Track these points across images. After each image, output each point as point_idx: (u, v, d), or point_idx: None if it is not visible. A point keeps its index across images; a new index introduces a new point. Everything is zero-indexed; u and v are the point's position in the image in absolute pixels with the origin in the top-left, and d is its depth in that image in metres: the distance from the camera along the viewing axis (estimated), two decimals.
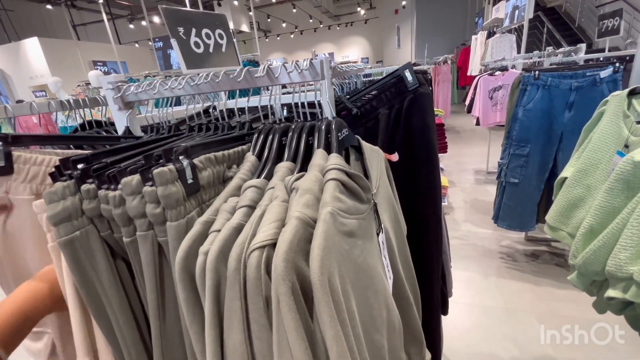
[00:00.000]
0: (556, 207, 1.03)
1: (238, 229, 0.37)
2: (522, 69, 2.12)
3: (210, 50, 0.93)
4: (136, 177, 0.39)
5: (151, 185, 0.38)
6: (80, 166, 0.44)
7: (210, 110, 0.83)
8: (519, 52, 5.30)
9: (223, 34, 0.99)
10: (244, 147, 0.51)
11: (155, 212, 0.39)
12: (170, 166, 0.39)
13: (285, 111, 0.83)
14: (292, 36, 14.65)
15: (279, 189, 0.39)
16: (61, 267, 0.47)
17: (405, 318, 0.63)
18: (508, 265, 2.27)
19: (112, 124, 0.99)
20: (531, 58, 3.31)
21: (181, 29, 0.85)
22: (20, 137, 0.54)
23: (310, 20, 13.70)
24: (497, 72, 3.45)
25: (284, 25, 13.93)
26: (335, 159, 0.41)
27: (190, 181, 0.40)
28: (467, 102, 3.86)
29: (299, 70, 0.50)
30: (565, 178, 1.03)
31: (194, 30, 0.88)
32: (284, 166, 0.44)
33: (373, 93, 0.81)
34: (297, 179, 0.39)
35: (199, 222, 0.38)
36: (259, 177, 0.45)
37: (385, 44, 14.32)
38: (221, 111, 0.64)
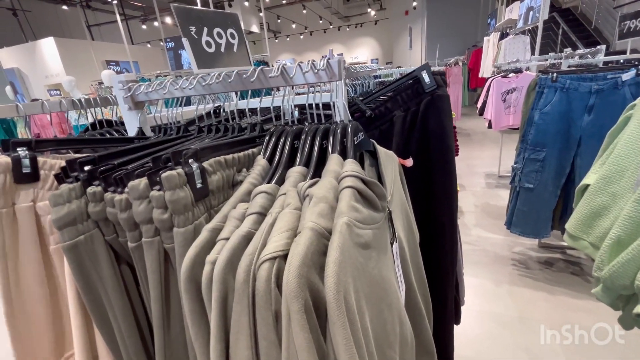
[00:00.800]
0: (577, 215, 0.98)
1: (247, 238, 0.35)
2: (538, 71, 2.06)
3: (222, 49, 0.92)
4: (143, 181, 0.37)
5: (159, 190, 0.37)
6: (86, 168, 0.42)
7: (220, 110, 0.82)
8: (532, 54, 5.19)
9: (235, 33, 0.97)
10: (254, 149, 0.49)
11: (162, 218, 0.37)
12: (179, 170, 0.37)
13: (296, 112, 0.81)
14: (301, 37, 14.67)
15: (291, 195, 0.37)
16: (64, 271, 0.46)
17: (416, 330, 0.60)
18: (521, 272, 2.20)
19: (123, 123, 0.98)
20: (546, 60, 3.23)
21: (193, 28, 0.84)
22: (43, 141, 0.53)
23: (320, 21, 13.70)
24: (511, 74, 3.38)
25: (293, 26, 13.96)
26: (351, 165, 0.38)
27: (199, 185, 0.39)
28: (479, 104, 3.78)
29: (315, 71, 0.48)
30: (588, 185, 0.98)
31: (205, 29, 0.87)
32: (296, 171, 0.41)
33: (388, 95, 0.79)
34: (311, 185, 0.36)
35: (207, 229, 0.36)
36: (269, 182, 0.43)
37: (395, 45, 14.22)
38: (231, 112, 0.62)
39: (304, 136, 0.46)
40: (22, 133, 3.57)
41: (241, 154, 0.46)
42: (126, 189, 0.39)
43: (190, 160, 0.38)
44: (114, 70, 7.77)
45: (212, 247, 0.36)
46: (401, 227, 0.57)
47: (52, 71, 8.18)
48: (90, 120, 1.09)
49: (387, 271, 0.44)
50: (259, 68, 0.51)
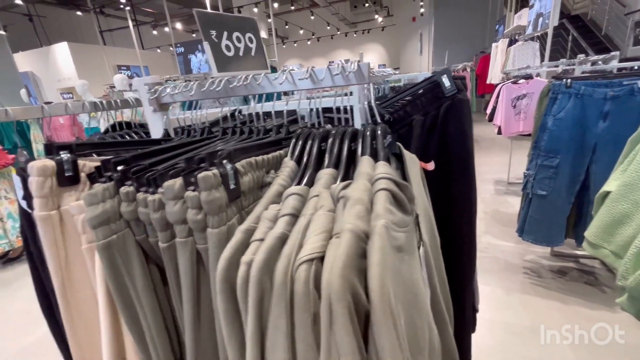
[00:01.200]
0: (598, 223, 0.97)
1: (282, 239, 0.35)
2: (551, 77, 2.04)
3: (240, 53, 0.93)
4: (178, 181, 0.38)
5: (193, 190, 0.37)
6: (119, 168, 0.43)
7: (236, 114, 0.82)
8: (542, 60, 5.17)
9: (253, 37, 0.99)
10: (281, 152, 0.49)
11: (196, 219, 0.38)
12: (215, 170, 0.37)
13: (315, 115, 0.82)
14: (308, 42, 14.81)
15: (324, 197, 0.37)
16: (94, 270, 0.46)
17: (441, 336, 0.59)
18: (533, 281, 2.16)
19: (141, 125, 1.00)
20: (557, 66, 3.21)
21: (213, 32, 0.85)
22: (81, 144, 0.53)
23: (328, 27, 13.83)
24: (521, 80, 3.36)
25: (301, 32, 14.11)
26: (384, 168, 0.38)
27: (232, 187, 0.39)
28: (489, 110, 3.77)
29: (346, 73, 0.48)
30: (608, 192, 0.96)
31: (225, 34, 0.88)
32: (327, 173, 0.41)
33: (407, 99, 0.79)
34: (344, 187, 0.36)
35: (240, 231, 0.36)
36: (299, 183, 0.43)
37: (402, 51, 14.28)
38: (257, 114, 0.62)
39: (331, 138, 0.46)
40: (35, 135, 3.64)
41: (270, 155, 0.47)
42: (159, 189, 0.39)
43: (224, 161, 0.38)
44: (124, 74, 7.92)
45: (246, 248, 0.36)
46: (425, 230, 0.56)
47: (64, 75, 8.36)
48: (102, 123, 1.09)
49: (417, 275, 0.43)
50: (287, 70, 0.51)
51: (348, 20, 14.15)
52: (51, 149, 0.48)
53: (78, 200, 0.47)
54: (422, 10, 11.59)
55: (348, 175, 0.42)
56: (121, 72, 8.42)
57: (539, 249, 2.44)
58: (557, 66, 3.26)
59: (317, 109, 0.74)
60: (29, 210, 0.57)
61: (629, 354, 1.44)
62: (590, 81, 1.75)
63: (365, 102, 0.63)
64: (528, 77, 3.39)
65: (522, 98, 3.34)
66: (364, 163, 0.40)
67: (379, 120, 0.76)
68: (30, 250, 0.67)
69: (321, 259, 0.32)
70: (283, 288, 0.31)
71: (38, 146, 3.60)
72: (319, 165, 0.45)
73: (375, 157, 0.42)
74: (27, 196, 0.57)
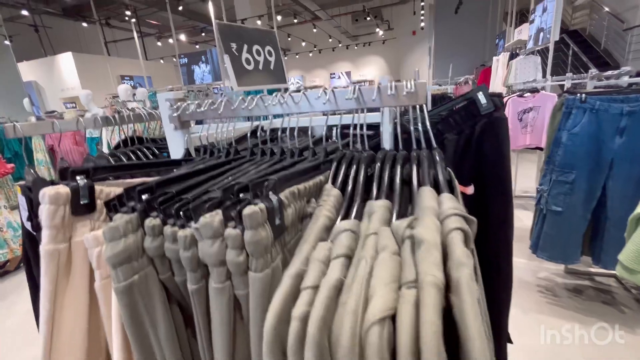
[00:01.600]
0: (634, 246, 0.91)
1: (339, 287, 0.30)
2: (564, 92, 2.02)
3: (260, 67, 0.89)
4: (217, 217, 0.32)
5: (234, 227, 0.32)
6: (144, 197, 0.38)
7: (259, 131, 0.78)
8: (544, 74, 5.21)
9: (272, 50, 0.95)
10: (321, 177, 0.44)
11: (238, 261, 0.32)
12: (261, 205, 0.32)
13: (334, 133, 0.77)
14: (310, 55, 15.00)
15: (385, 236, 0.32)
16: (109, 311, 0.41)
17: None
18: (549, 300, 2.09)
19: (154, 140, 0.95)
20: (563, 80, 3.21)
21: (234, 45, 0.81)
22: (98, 168, 0.48)
23: (329, 40, 14.02)
24: (527, 94, 3.35)
25: (303, 44, 14.30)
26: (452, 202, 0.33)
27: (277, 222, 0.34)
28: None
29: (404, 93, 0.43)
30: None
31: (245, 47, 0.85)
32: (381, 206, 0.36)
33: (439, 116, 0.74)
34: (410, 225, 0.31)
35: (289, 276, 0.31)
36: (346, 215, 0.38)
37: (402, 63, 14.51)
38: (292, 129, 0.56)
39: (379, 164, 0.41)
40: (36, 144, 3.59)
41: (311, 182, 0.41)
42: (193, 224, 0.33)
43: (270, 193, 0.33)
44: (128, 84, 7.96)
45: (296, 298, 0.31)
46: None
47: (68, 84, 8.39)
48: (105, 133, 1.03)
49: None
50: (330, 89, 0.46)
51: (349, 33, 14.38)
52: (65, 173, 0.42)
53: (93, 231, 0.42)
54: (422, 24, 11.79)
55: (404, 207, 0.37)
56: (124, 82, 8.47)
57: (552, 266, 2.36)
58: (562, 80, 3.26)
59: (337, 127, 0.69)
60: (33, 233, 0.52)
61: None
62: (606, 96, 1.72)
63: (394, 119, 0.59)
64: (534, 90, 3.38)
65: (528, 111, 3.33)
66: (426, 195, 0.35)
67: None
68: (32, 271, 0.61)
69: (393, 316, 0.26)
70: (351, 354, 0.26)
71: (38, 155, 3.55)
72: (366, 194, 0.40)
73: (436, 187, 0.37)
74: (32, 217, 0.52)
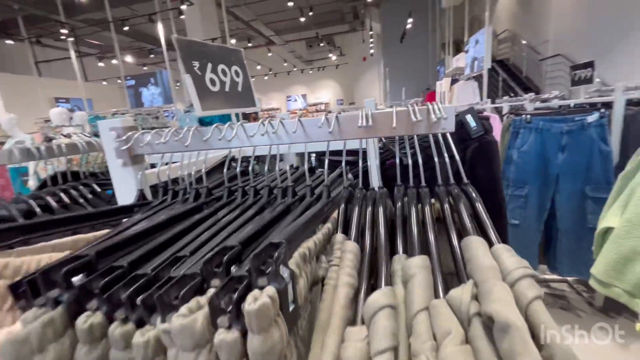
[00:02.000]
0: (605, 260, 0.94)
1: None
2: (509, 113, 2.21)
3: (227, 88, 0.79)
4: (201, 315, 0.20)
5: (228, 327, 0.20)
6: (76, 279, 0.24)
7: (231, 163, 0.66)
8: (481, 97, 5.81)
9: (239, 70, 0.86)
10: (328, 225, 0.34)
11: None
12: (271, 289, 0.21)
13: (314, 160, 0.69)
14: (265, 78, 15.10)
15: (444, 314, 0.23)
16: None
17: None
18: None
19: (93, 174, 0.78)
20: (501, 104, 3.55)
21: (196, 63, 0.71)
22: (3, 231, 0.31)
23: (285, 64, 14.30)
24: None
25: (258, 67, 14.37)
26: (512, 256, 0.26)
27: (291, 308, 0.23)
28: None
29: (434, 119, 0.36)
30: (609, 228, 0.96)
31: (209, 66, 0.75)
32: (420, 266, 0.27)
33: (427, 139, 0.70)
34: (474, 296, 0.23)
35: None
36: (370, 278, 0.29)
37: (355, 87, 15.33)
38: (272, 157, 0.46)
39: (399, 203, 0.33)
40: None
41: (320, 234, 0.31)
42: (159, 322, 0.21)
43: (280, 267, 0.22)
44: (63, 107, 7.19)
45: None
46: None
47: None
48: (32, 165, 0.86)
49: None
50: (334, 116, 0.38)
51: (304, 58, 14.85)
52: None
53: None
54: (371, 51, 12.62)
55: (445, 265, 0.29)
56: (59, 105, 7.67)
57: None
58: (500, 104, 3.61)
59: (309, 154, 0.61)
60: None
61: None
62: (548, 117, 1.89)
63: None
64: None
65: None
66: (478, 249, 0.27)
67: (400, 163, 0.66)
68: None
69: None
70: None
71: None
72: (391, 244, 0.31)
73: (485, 234, 0.30)
74: None
